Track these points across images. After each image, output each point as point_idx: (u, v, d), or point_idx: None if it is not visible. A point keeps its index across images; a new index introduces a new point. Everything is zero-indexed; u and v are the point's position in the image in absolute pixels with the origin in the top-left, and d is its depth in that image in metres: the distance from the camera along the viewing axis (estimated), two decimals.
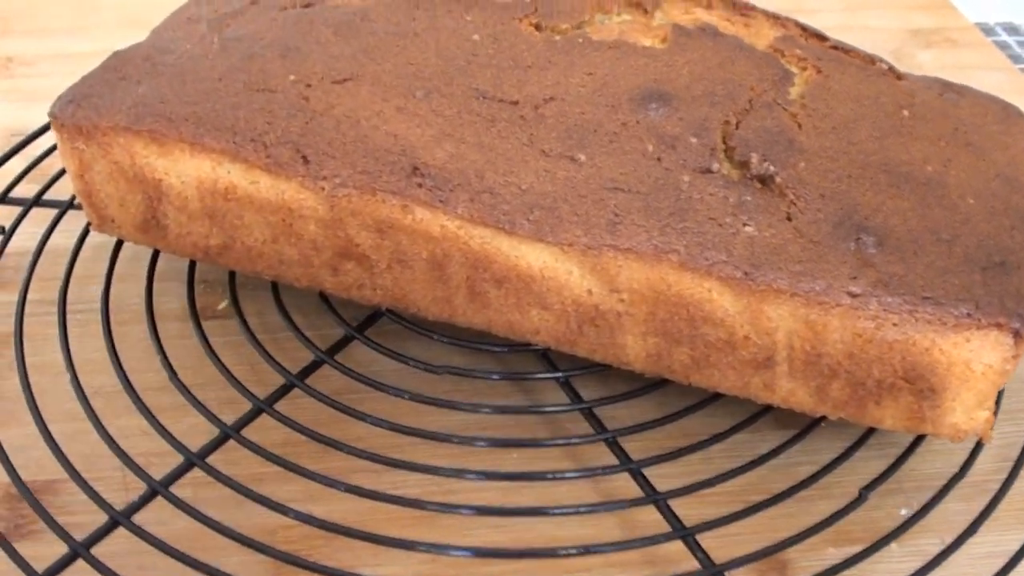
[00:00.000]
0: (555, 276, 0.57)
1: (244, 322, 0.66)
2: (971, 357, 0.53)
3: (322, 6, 0.66)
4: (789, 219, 0.55)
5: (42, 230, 0.73)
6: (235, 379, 0.61)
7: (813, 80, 0.61)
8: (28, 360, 0.65)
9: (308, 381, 0.62)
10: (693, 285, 0.55)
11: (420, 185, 0.57)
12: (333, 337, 0.66)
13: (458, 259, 0.58)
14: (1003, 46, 1.08)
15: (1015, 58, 1.06)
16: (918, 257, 0.54)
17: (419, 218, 0.58)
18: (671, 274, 0.55)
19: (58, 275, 0.71)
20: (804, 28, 0.66)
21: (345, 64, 0.62)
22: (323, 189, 0.59)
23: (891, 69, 0.65)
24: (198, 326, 0.66)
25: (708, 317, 0.55)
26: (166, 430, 0.59)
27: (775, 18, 0.66)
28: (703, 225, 0.54)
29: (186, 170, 0.62)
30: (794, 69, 0.62)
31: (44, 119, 0.88)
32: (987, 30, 1.11)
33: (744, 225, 0.54)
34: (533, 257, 0.57)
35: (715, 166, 0.56)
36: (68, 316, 0.68)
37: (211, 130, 0.60)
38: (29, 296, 0.69)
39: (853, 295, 0.53)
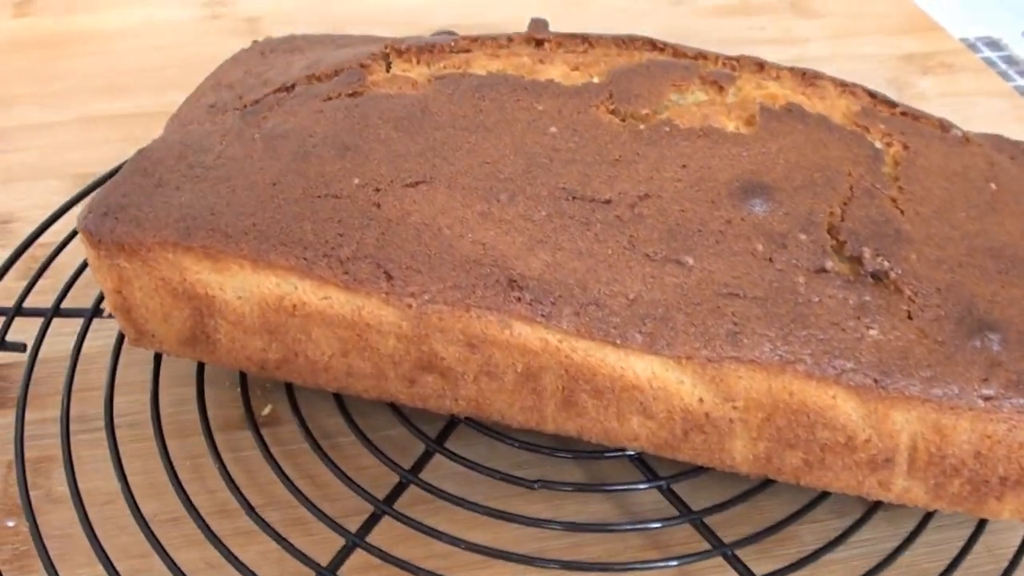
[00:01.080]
0: (664, 386, 0.54)
1: (309, 434, 0.61)
2: None
3: (371, 96, 0.62)
4: (910, 317, 0.52)
5: (63, 338, 0.68)
6: (314, 506, 0.57)
7: (902, 157, 0.59)
8: (84, 487, 0.61)
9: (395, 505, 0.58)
10: (817, 393, 0.52)
11: (519, 299, 0.53)
12: (408, 448, 0.62)
13: (555, 371, 0.55)
14: (988, 64, 1.07)
15: (1003, 76, 1.05)
16: None
17: (517, 333, 0.54)
18: (795, 383, 0.52)
19: (91, 386, 0.66)
20: (872, 95, 0.64)
21: (414, 164, 0.57)
22: (410, 306, 0.54)
23: (965, 135, 0.63)
24: (260, 440, 0.61)
25: (829, 423, 0.53)
26: (247, 568, 0.55)
27: (843, 85, 0.64)
28: (827, 331, 0.52)
29: (245, 286, 0.57)
30: (880, 144, 0.60)
31: (28, 201, 0.83)
32: (970, 46, 1.10)
33: (868, 328, 0.52)
34: (641, 368, 0.53)
35: (829, 264, 0.53)
36: (117, 433, 0.63)
37: (277, 245, 0.55)
38: (71, 412, 0.64)
39: (986, 398, 0.51)
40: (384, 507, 0.57)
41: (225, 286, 0.58)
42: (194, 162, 0.61)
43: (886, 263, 0.54)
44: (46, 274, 0.71)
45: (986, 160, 0.62)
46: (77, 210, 0.75)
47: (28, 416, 0.65)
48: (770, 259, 0.54)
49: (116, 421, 0.65)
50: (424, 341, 0.56)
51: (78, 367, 0.66)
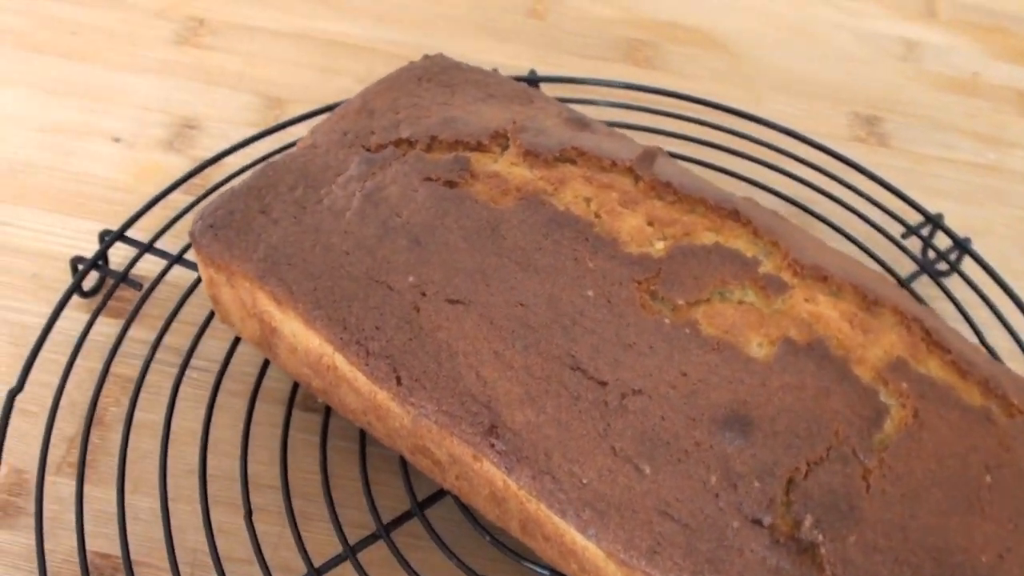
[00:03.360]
0: (594, 559, 0.60)
1: (323, 445, 0.71)
2: None
3: (461, 194, 0.67)
4: None
5: (181, 277, 0.79)
6: (293, 524, 0.67)
7: (906, 426, 0.61)
8: (139, 416, 0.73)
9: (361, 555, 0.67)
10: None
11: (492, 446, 0.60)
12: (397, 504, 0.71)
13: (515, 505, 0.62)
14: None
15: None
16: None
17: (487, 468, 0.62)
18: None
19: (196, 321, 0.77)
20: (929, 333, 0.65)
21: (462, 281, 0.64)
22: (408, 413, 0.62)
23: (1006, 404, 0.63)
24: (285, 427, 0.71)
25: None
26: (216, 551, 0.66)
27: (901, 315, 0.65)
28: None
29: (298, 332, 0.66)
30: (892, 402, 0.61)
31: (216, 111, 0.94)
32: None
33: None
34: (578, 537, 0.60)
35: (767, 520, 0.57)
36: (188, 373, 0.74)
37: (323, 317, 0.64)
38: (163, 340, 0.75)
39: None
40: (348, 553, 0.66)
41: (284, 323, 0.67)
42: (301, 198, 0.69)
43: (820, 536, 0.57)
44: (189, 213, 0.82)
45: (1001, 444, 0.62)
46: (251, 149, 0.85)
47: (132, 333, 0.77)
48: (717, 495, 0.58)
49: (201, 364, 0.76)
50: (419, 437, 0.64)
51: (190, 298, 0.78)
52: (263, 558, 0.65)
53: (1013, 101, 1.05)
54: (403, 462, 0.71)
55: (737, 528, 0.58)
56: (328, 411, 0.72)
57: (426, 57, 0.82)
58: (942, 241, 0.89)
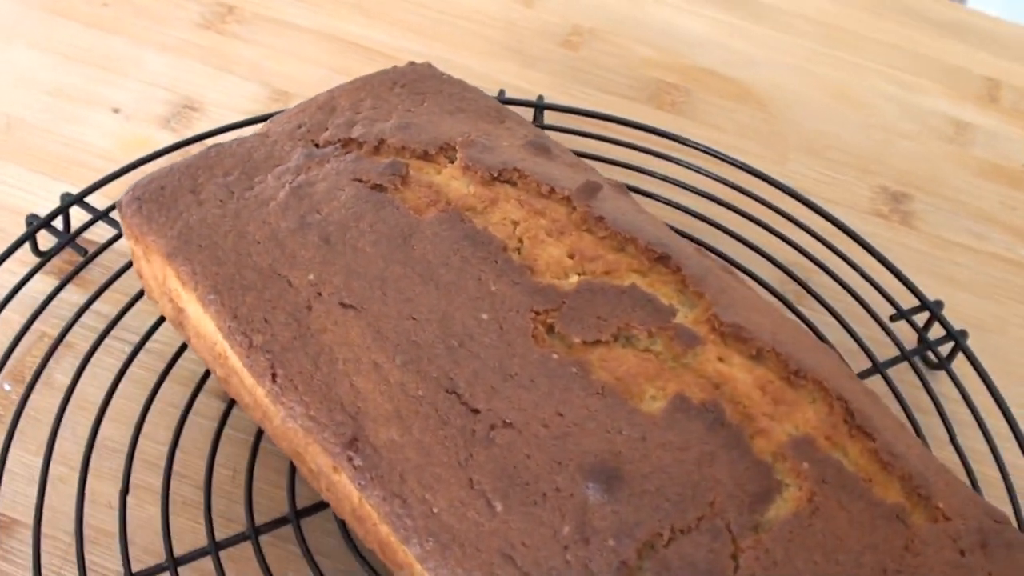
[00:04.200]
0: None
1: (219, 431, 0.69)
2: None
3: (385, 199, 0.65)
4: None
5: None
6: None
7: (798, 509, 0.56)
8: (55, 377, 0.72)
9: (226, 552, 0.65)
10: None
11: (350, 460, 0.57)
12: (278, 506, 0.68)
13: (371, 526, 0.59)
14: None
15: None
16: None
17: (344, 482, 0.59)
18: None
19: (132, 292, 0.75)
20: (852, 415, 0.60)
21: (360, 287, 0.62)
22: (279, 413, 0.60)
23: (930, 507, 0.57)
24: (183, 417, 0.69)
25: None
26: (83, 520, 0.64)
27: (825, 391, 0.60)
28: None
29: (200, 315, 0.65)
30: (789, 482, 0.56)
31: (222, 97, 0.93)
32: None
33: None
34: (423, 569, 0.57)
35: None
36: (108, 341, 0.73)
37: (217, 302, 0.62)
38: (95, 307, 0.75)
39: None
40: (211, 548, 0.64)
41: (189, 305, 0.66)
42: (234, 184, 0.68)
43: None
44: None
45: (909, 548, 0.56)
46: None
47: (68, 296, 0.76)
48: (566, 547, 0.54)
49: (119, 333, 0.75)
50: (290, 440, 0.62)
51: (131, 269, 0.76)
52: (126, 537, 0.63)
53: None
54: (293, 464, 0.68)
55: None
56: (234, 400, 0.70)
57: (411, 64, 0.80)
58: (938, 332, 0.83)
